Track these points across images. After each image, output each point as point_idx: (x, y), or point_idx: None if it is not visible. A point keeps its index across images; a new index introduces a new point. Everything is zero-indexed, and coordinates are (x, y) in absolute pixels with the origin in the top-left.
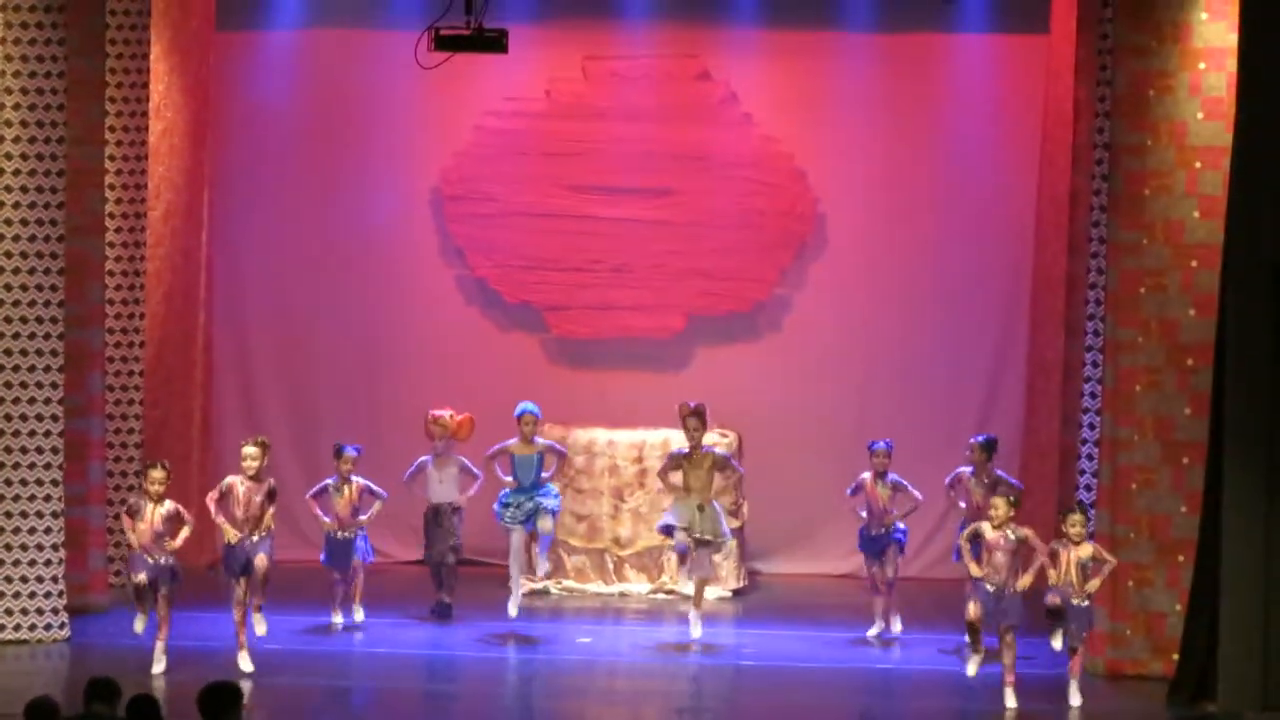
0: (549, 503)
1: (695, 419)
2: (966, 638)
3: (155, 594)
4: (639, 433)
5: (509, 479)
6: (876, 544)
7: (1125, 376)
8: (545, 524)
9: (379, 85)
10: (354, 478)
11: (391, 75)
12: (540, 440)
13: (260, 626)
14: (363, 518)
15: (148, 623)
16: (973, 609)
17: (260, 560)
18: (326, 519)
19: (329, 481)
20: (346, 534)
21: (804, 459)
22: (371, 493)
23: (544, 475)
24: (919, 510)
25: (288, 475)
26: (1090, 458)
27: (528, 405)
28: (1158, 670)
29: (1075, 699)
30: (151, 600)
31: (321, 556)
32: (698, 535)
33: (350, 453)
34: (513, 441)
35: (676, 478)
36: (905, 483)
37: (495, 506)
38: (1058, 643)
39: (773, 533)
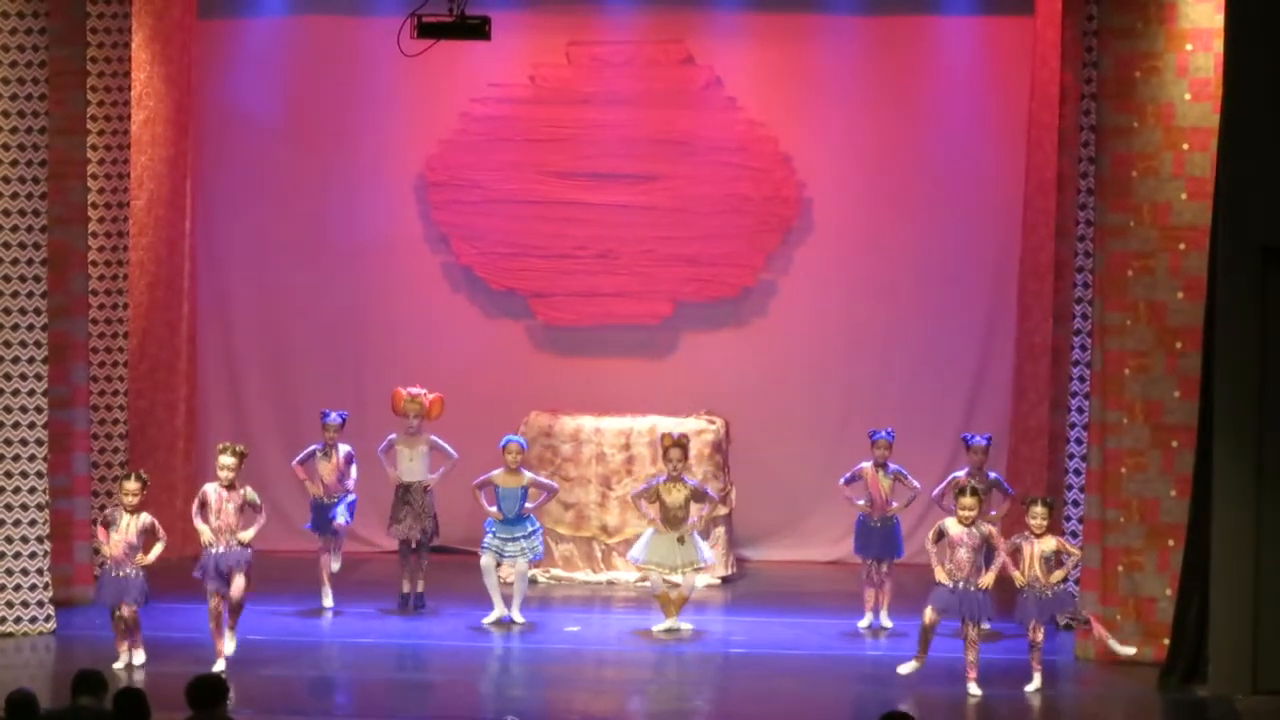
0: (527, 549)
1: (678, 450)
2: (920, 641)
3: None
4: (626, 420)
5: (493, 509)
6: (876, 536)
7: (1114, 360)
8: (521, 566)
9: (362, 73)
10: (340, 445)
11: (375, 63)
12: (527, 474)
13: (229, 644)
14: (349, 483)
15: (130, 653)
16: (929, 614)
17: (237, 585)
18: (312, 484)
19: (315, 448)
20: (329, 500)
21: (791, 445)
22: (354, 461)
23: (528, 506)
24: (917, 500)
25: (273, 464)
26: (1079, 442)
27: (512, 437)
28: (1148, 655)
29: (1036, 683)
30: (123, 625)
31: (308, 524)
32: (684, 569)
33: (333, 419)
34: (498, 472)
35: (652, 509)
36: (905, 472)
37: (483, 541)
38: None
39: (760, 519)
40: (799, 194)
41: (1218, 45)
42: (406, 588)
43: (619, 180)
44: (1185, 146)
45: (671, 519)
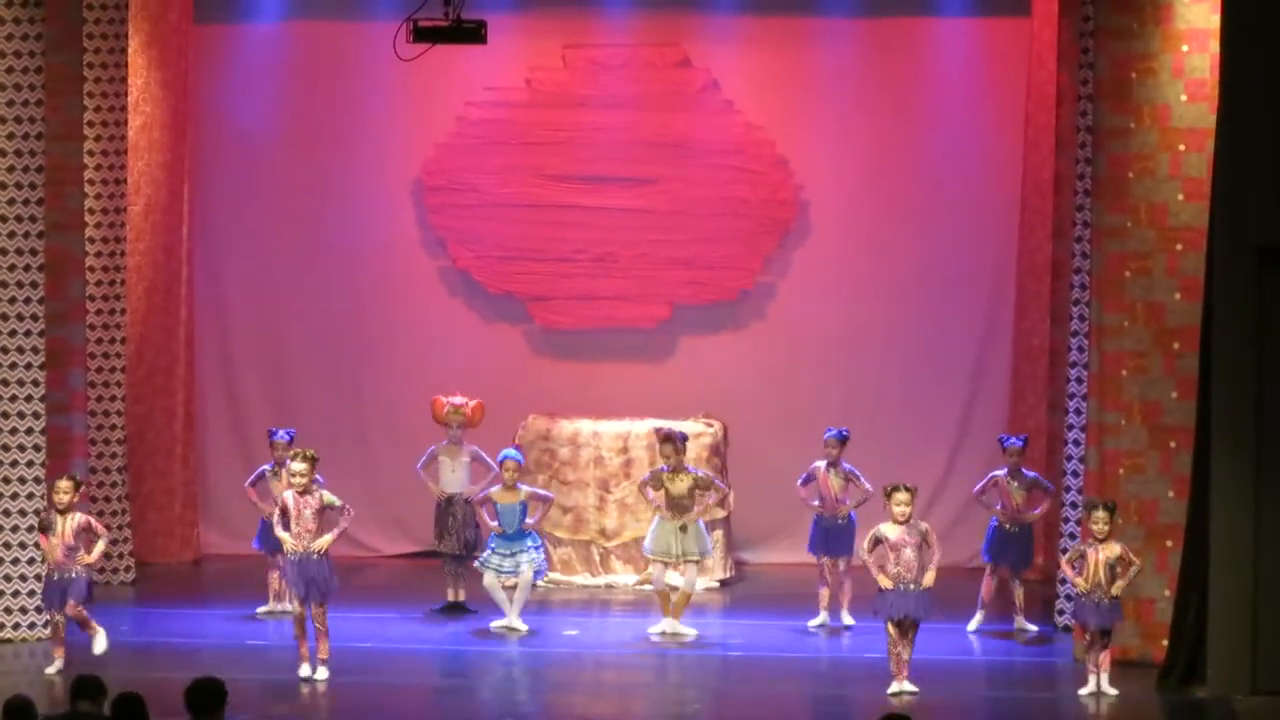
0: (526, 568)
1: (668, 446)
2: (890, 665)
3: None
4: (624, 423)
5: (495, 524)
6: (829, 535)
7: (1111, 361)
8: (525, 575)
9: (359, 77)
10: (289, 463)
11: (372, 67)
12: (524, 487)
13: (322, 670)
14: None
15: (62, 659)
16: (891, 630)
17: (320, 609)
18: (263, 505)
19: (265, 468)
20: None
21: (790, 447)
22: None
23: (528, 521)
24: (872, 501)
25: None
26: (1077, 443)
27: (509, 452)
28: (1148, 656)
29: (1108, 690)
30: (63, 632)
31: (254, 542)
32: (683, 560)
33: (280, 437)
34: (496, 488)
35: (658, 495)
36: (858, 473)
37: (481, 554)
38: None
39: (759, 522)
40: (796, 196)
41: (1214, 46)
42: (453, 595)
43: (616, 183)
44: (1181, 147)
45: (677, 506)
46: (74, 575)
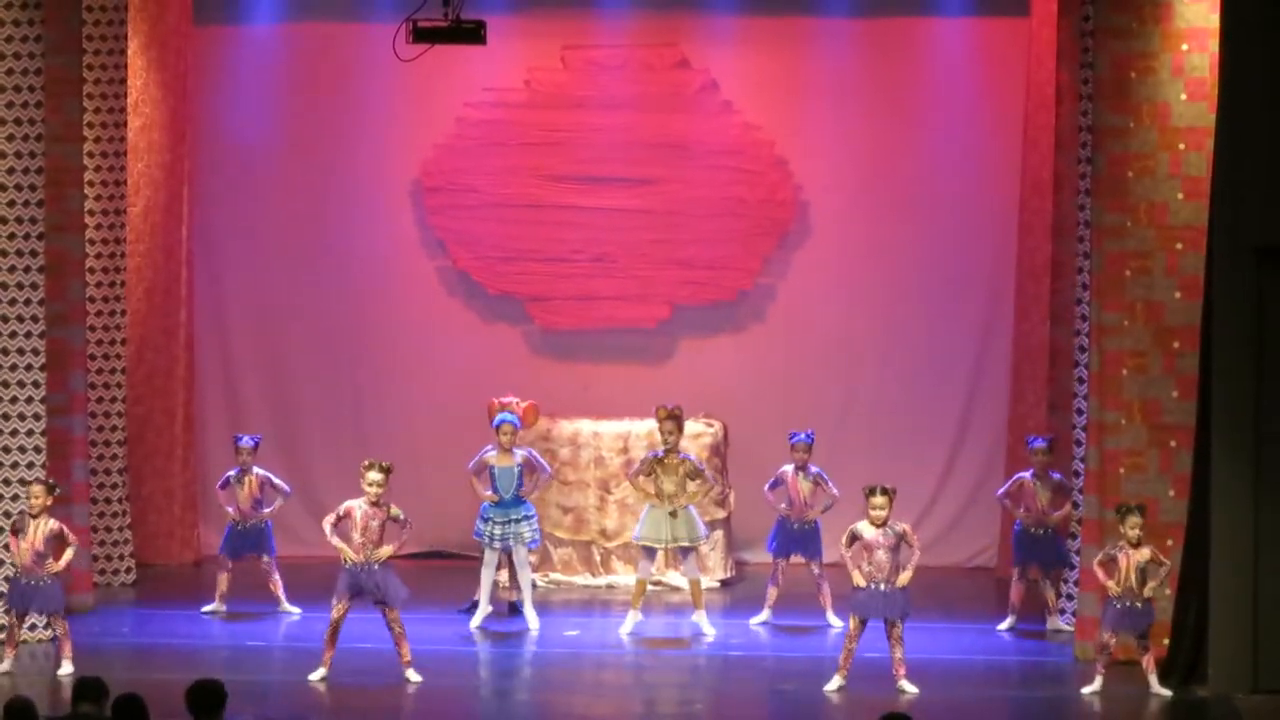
0: (526, 532)
1: (671, 422)
2: (840, 657)
3: (24, 621)
4: (624, 423)
5: (489, 493)
6: (795, 538)
7: (1111, 360)
8: (525, 568)
9: (358, 78)
10: (255, 469)
11: (371, 68)
12: (519, 452)
13: (414, 676)
14: (265, 511)
15: (14, 661)
16: (853, 623)
17: (393, 617)
18: (230, 509)
19: (230, 473)
20: (245, 525)
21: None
22: (273, 486)
23: (524, 489)
24: (838, 505)
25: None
26: (1078, 442)
27: (506, 415)
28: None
29: (1160, 690)
30: (18, 634)
31: (219, 547)
32: (674, 545)
33: (245, 444)
34: (492, 452)
35: (648, 483)
36: (826, 477)
37: (476, 521)
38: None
39: (759, 522)
40: (795, 197)
41: (1213, 45)
42: (513, 595)
43: (615, 184)
44: (1181, 146)
45: (667, 495)
46: (42, 583)
